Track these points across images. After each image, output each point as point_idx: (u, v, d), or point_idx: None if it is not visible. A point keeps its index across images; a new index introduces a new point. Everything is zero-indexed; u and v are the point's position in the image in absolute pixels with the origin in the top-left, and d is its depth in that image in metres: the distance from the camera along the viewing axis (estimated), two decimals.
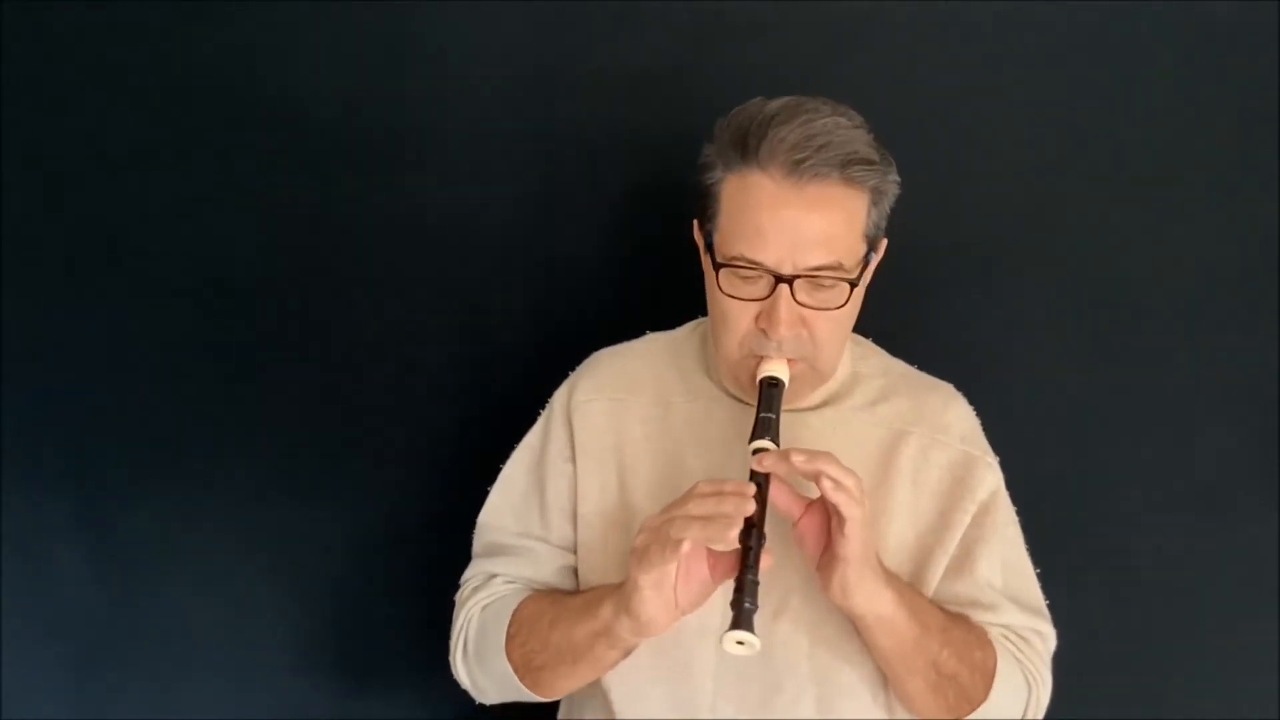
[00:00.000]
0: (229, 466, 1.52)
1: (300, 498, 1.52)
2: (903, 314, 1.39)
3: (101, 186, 1.47)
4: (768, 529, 1.00)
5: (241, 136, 1.45)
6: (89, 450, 1.53)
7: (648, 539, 1.01)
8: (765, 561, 0.99)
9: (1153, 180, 1.38)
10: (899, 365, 1.25)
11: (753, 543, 0.99)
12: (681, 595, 1.02)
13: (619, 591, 1.05)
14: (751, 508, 0.98)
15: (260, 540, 1.53)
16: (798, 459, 1.00)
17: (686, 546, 0.98)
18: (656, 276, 1.36)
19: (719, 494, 0.99)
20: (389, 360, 1.49)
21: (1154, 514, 1.44)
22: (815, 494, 1.04)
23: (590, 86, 1.40)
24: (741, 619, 0.96)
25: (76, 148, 1.47)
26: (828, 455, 1.01)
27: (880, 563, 1.06)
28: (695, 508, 0.99)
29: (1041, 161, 1.38)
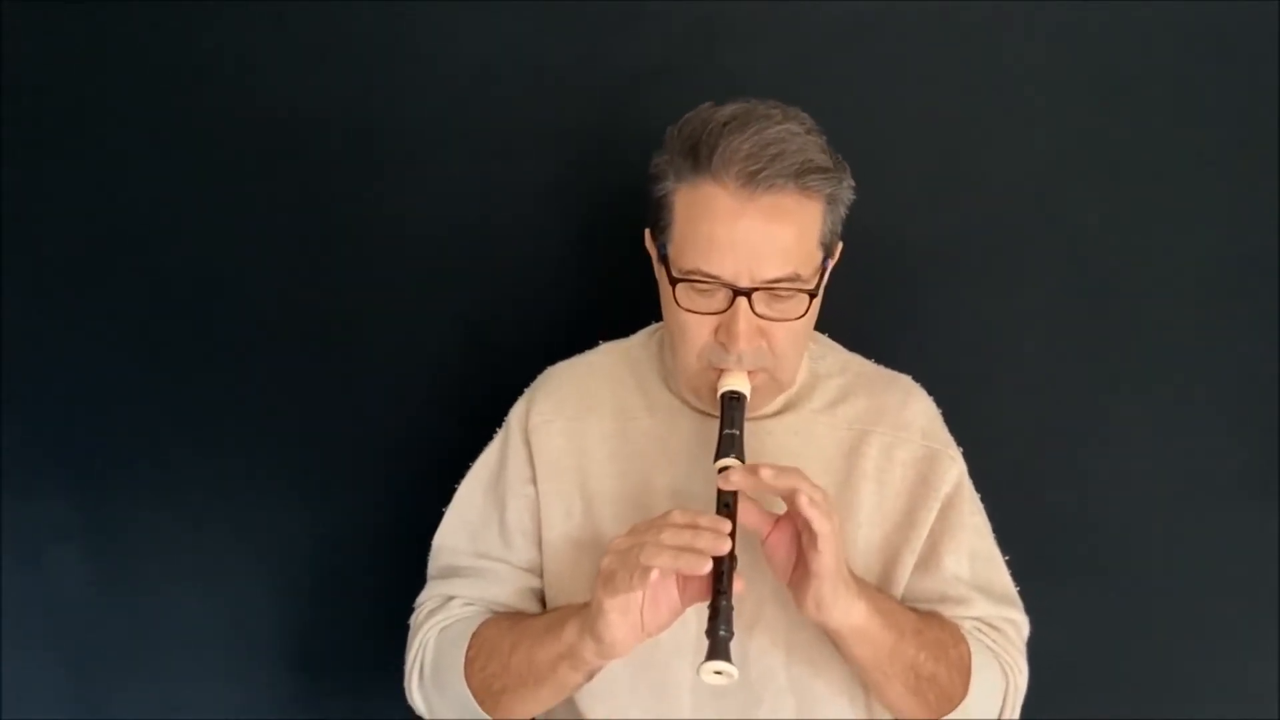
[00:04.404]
0: (228, 468, 1.52)
1: (300, 499, 1.52)
2: (901, 313, 1.40)
3: (101, 186, 1.47)
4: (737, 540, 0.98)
5: (240, 138, 1.45)
6: (89, 451, 1.53)
7: (614, 563, 0.98)
8: (737, 585, 0.96)
9: (1152, 180, 1.37)
10: (855, 361, 1.23)
11: (725, 566, 0.96)
12: (649, 618, 0.99)
13: (583, 613, 1.02)
14: (727, 546, 0.95)
15: (261, 542, 1.53)
16: (767, 474, 0.97)
17: (655, 575, 0.95)
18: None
19: (694, 527, 0.96)
20: (389, 362, 1.49)
21: (1154, 513, 1.43)
22: (781, 509, 1.02)
23: (588, 87, 1.40)
24: (718, 648, 0.93)
25: (76, 148, 1.47)
26: (797, 470, 0.99)
27: (851, 574, 1.04)
28: (668, 537, 0.95)
29: (1040, 161, 1.38)
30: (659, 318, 1.18)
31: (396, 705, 1.53)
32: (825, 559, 0.98)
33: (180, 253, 1.48)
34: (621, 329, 1.29)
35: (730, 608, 0.95)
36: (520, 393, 1.24)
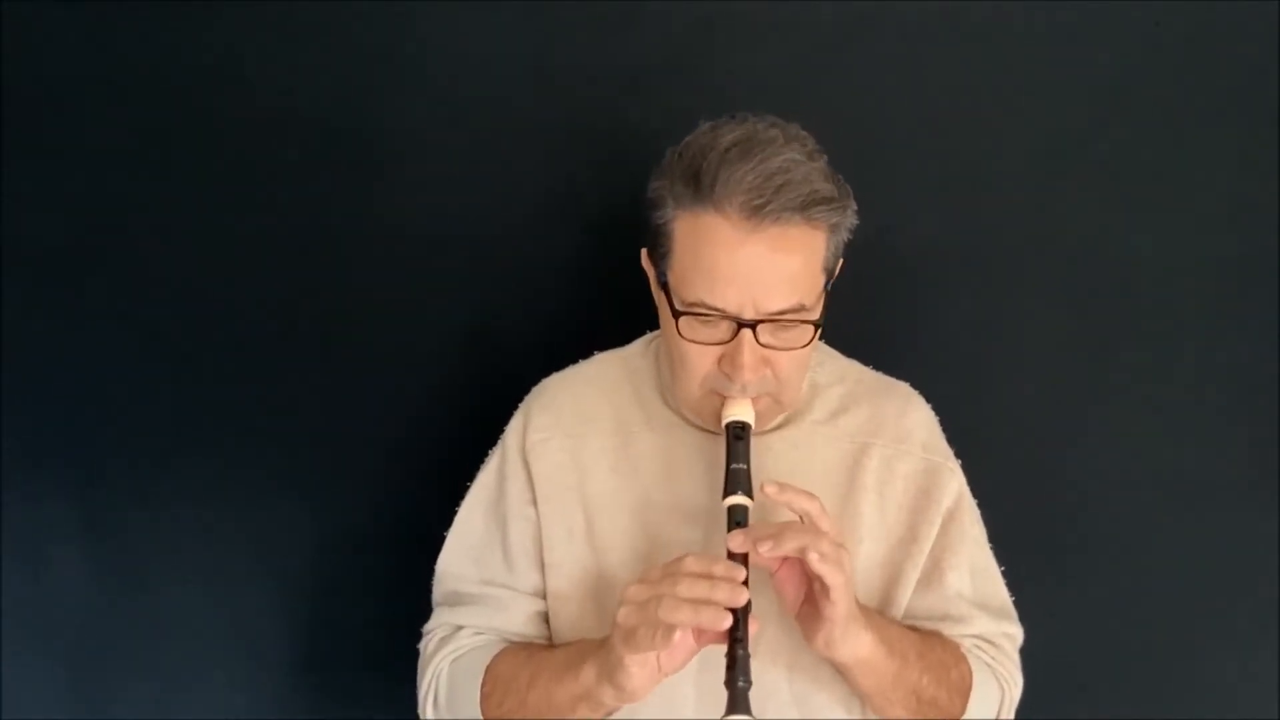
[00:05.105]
0: (229, 468, 1.52)
1: (300, 499, 1.52)
2: (900, 316, 1.40)
3: (101, 187, 1.47)
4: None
5: (240, 138, 1.45)
6: (89, 451, 1.52)
7: (634, 618, 0.96)
8: (753, 627, 0.95)
9: (1152, 180, 1.38)
10: (854, 368, 1.22)
11: (741, 615, 0.94)
12: (665, 663, 0.99)
13: (601, 657, 1.01)
14: (745, 597, 0.94)
15: (261, 541, 1.53)
16: (790, 545, 0.96)
17: (678, 635, 0.94)
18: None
19: (710, 577, 0.95)
20: (390, 362, 1.49)
21: (1154, 513, 1.44)
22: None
23: (588, 87, 1.40)
24: (738, 701, 0.91)
25: (77, 147, 1.47)
26: (810, 529, 0.98)
27: (858, 606, 1.02)
28: (685, 590, 0.94)
29: (1040, 161, 1.38)
30: (658, 323, 1.18)
31: (396, 706, 1.54)
32: (839, 606, 0.97)
33: (180, 253, 1.48)
34: (622, 329, 1.28)
35: (748, 656, 0.93)
36: (520, 393, 1.24)
